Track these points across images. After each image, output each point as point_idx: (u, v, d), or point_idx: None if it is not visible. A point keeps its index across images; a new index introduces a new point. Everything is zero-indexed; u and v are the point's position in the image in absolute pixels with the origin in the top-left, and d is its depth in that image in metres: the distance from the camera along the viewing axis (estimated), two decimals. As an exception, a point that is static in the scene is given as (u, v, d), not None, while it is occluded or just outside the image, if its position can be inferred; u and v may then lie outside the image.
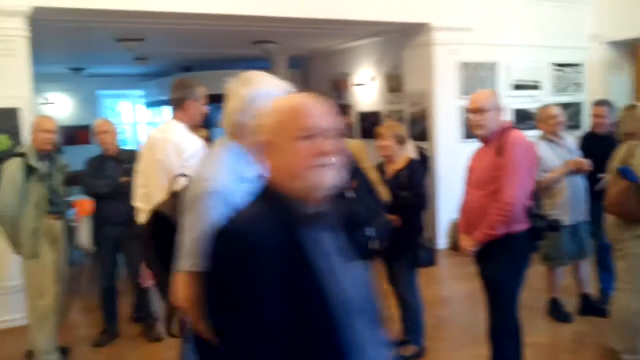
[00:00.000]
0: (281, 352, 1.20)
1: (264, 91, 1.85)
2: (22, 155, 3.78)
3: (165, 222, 2.10)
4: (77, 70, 10.43)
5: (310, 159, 1.27)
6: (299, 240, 1.26)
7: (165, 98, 10.44)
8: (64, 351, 4.09)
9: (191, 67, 10.35)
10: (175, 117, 3.23)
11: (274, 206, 1.29)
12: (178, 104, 3.23)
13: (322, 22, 6.19)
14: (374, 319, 1.38)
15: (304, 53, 9.45)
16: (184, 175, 2.96)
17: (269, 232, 1.23)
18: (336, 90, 8.96)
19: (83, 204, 4.87)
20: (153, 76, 11.43)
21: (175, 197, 2.16)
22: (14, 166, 3.70)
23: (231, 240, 1.24)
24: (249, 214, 1.31)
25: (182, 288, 1.82)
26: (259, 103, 1.75)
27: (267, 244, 1.21)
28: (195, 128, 3.26)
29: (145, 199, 3.21)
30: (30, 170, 3.73)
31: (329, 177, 1.30)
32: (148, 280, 3.20)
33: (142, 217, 3.25)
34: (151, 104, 11.80)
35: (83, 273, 5.33)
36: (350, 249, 1.39)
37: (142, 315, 4.50)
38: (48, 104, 10.97)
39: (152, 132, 3.35)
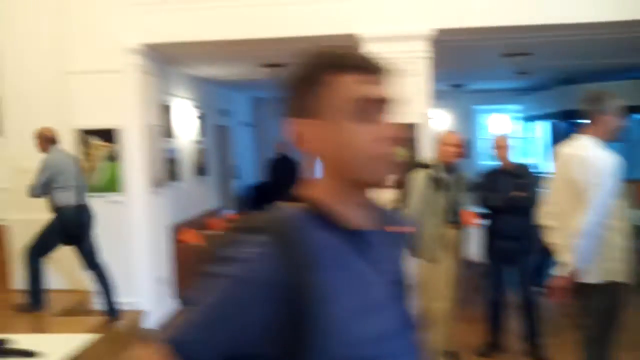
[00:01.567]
0: None
1: None
2: (428, 166, 4.10)
3: None
4: (457, 86, 10.95)
5: None
6: None
7: (542, 112, 10.22)
8: (452, 354, 4.28)
9: (571, 79, 9.81)
10: (586, 132, 3.08)
11: None
12: (589, 117, 3.09)
13: None
14: None
15: None
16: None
17: None
18: None
19: (466, 215, 5.01)
20: (529, 90, 11.23)
21: None
22: (421, 176, 4.04)
23: None
24: None
25: None
26: None
27: None
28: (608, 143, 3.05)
29: (556, 217, 3.12)
30: (435, 181, 4.03)
31: None
32: (556, 295, 3.06)
33: (551, 236, 3.17)
34: (528, 118, 11.62)
35: (468, 283, 5.50)
36: None
37: (529, 332, 4.41)
38: (429, 118, 11.75)
39: (561, 148, 3.24)
